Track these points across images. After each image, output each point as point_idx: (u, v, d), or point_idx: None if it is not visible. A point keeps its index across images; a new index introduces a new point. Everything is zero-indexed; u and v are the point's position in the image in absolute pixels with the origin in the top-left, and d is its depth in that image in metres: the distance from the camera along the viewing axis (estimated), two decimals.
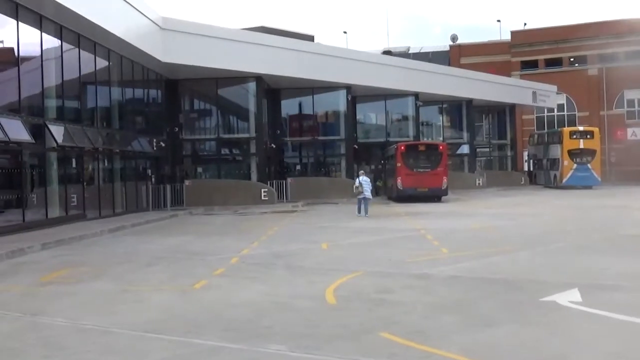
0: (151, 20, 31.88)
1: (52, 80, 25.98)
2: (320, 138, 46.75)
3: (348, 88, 44.17)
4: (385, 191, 44.71)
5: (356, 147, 46.69)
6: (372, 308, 10.34)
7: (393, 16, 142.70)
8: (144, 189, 34.59)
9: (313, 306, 10.60)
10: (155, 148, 35.49)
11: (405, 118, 51.49)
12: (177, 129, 39.31)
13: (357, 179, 30.84)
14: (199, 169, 42.72)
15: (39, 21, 24.30)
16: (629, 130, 65.92)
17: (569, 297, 10.62)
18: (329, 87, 44.28)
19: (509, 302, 10.61)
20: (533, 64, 70.35)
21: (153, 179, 35.92)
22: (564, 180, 52.42)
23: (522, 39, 71.13)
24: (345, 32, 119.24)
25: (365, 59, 45.89)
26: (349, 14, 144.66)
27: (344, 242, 20.04)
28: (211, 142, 41.54)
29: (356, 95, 46.70)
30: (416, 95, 48.79)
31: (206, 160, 43.09)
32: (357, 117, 49.70)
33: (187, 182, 37.30)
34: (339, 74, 42.14)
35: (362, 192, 29.85)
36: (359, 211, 29.83)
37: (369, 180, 30.97)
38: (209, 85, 39.15)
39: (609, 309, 9.75)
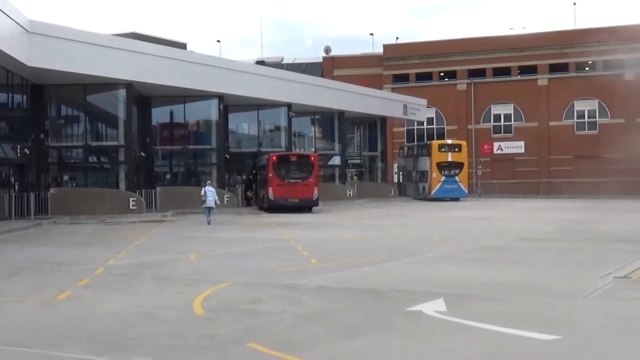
0: (17, 23, 30.74)
1: None
2: (191, 147, 46.28)
3: (220, 97, 43.98)
4: (257, 201, 44.66)
5: (227, 156, 46.48)
6: (241, 318, 10.30)
7: (267, 26, 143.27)
8: (6, 196, 33.31)
9: (180, 317, 10.47)
10: (19, 155, 34.26)
11: (278, 128, 51.73)
12: (42, 135, 38.12)
13: (203, 189, 31.70)
14: (66, 177, 41.45)
15: None
16: (495, 145, 68.35)
17: (435, 307, 10.85)
18: (201, 96, 43.92)
19: (376, 312, 10.77)
20: (404, 78, 71.91)
21: (16, 187, 34.68)
22: (433, 193, 53.78)
23: (394, 52, 72.62)
24: (218, 41, 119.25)
25: (238, 68, 45.88)
26: (223, 23, 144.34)
27: (213, 252, 19.92)
28: (78, 149, 40.43)
29: (228, 105, 46.50)
30: (289, 105, 49.02)
31: (73, 168, 41.77)
32: (230, 127, 49.49)
33: (52, 190, 36.19)
34: (211, 83, 41.90)
35: (206, 202, 30.90)
36: (209, 221, 30.81)
37: (214, 190, 32.09)
38: (77, 91, 38.17)
39: (474, 319, 10.00)
